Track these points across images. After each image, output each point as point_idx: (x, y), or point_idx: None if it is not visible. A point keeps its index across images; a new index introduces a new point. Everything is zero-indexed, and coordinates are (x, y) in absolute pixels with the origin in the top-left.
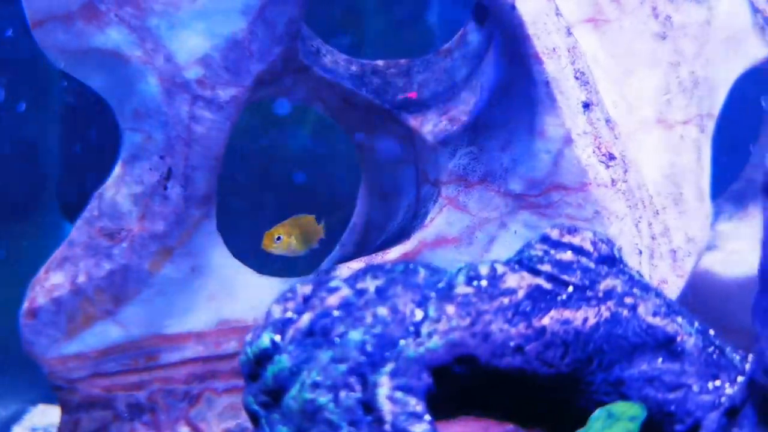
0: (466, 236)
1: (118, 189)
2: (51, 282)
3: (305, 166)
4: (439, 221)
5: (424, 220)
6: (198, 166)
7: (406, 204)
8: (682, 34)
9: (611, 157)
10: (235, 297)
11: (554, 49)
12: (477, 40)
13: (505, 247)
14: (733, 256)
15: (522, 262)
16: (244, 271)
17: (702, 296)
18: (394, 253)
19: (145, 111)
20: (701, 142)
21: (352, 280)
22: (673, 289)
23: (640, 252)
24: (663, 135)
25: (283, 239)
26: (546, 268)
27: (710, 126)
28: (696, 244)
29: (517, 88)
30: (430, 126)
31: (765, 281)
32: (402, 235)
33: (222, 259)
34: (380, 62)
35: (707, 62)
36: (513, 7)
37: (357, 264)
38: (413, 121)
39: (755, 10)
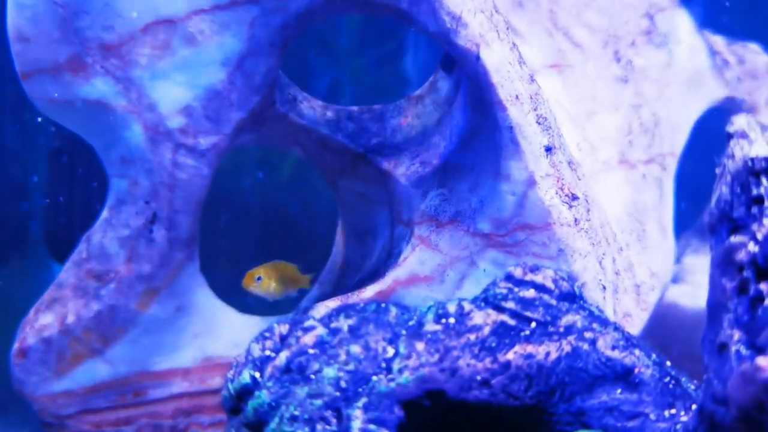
0: (438, 274)
1: (106, 232)
2: (41, 322)
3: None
4: (412, 260)
5: (397, 259)
6: (181, 211)
7: (381, 244)
8: (643, 77)
9: (574, 198)
10: (219, 335)
11: (517, 96)
12: (446, 87)
13: (476, 284)
14: (699, 289)
15: (488, 299)
16: (227, 310)
17: (670, 328)
18: (369, 292)
19: (130, 158)
20: (663, 180)
21: (326, 319)
22: (637, 322)
23: (604, 287)
24: (626, 174)
25: (263, 280)
26: (510, 305)
27: (672, 164)
28: (659, 278)
29: (483, 133)
30: (403, 169)
31: (711, 316)
32: (377, 274)
33: (205, 299)
34: (355, 108)
35: (668, 103)
36: (477, 58)
37: (333, 303)
38: (387, 164)
39: (713, 53)
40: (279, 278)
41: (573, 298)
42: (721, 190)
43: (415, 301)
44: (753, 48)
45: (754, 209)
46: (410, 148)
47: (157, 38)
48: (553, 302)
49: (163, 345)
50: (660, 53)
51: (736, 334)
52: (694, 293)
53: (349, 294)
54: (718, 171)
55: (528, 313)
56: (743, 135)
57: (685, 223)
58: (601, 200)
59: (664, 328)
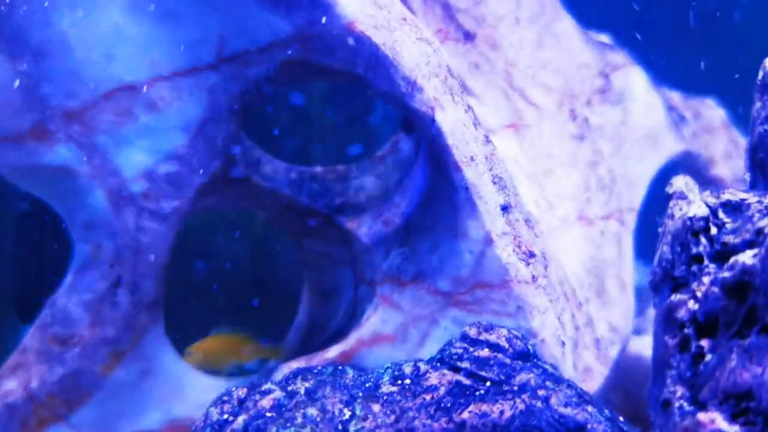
0: (400, 333)
1: (70, 296)
2: (4, 388)
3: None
4: (375, 320)
5: (361, 319)
6: (145, 274)
7: (346, 303)
8: (600, 135)
9: (531, 255)
10: (185, 397)
11: (472, 157)
12: (407, 147)
13: (438, 342)
14: None
15: (443, 359)
16: (193, 372)
17: (633, 380)
18: (333, 352)
19: (94, 222)
20: (622, 235)
21: (283, 382)
22: (597, 377)
23: (563, 343)
24: (584, 230)
25: (192, 355)
26: (465, 364)
27: (631, 219)
28: (619, 333)
29: (441, 193)
30: (365, 228)
31: (656, 372)
32: (341, 333)
33: (171, 362)
34: (319, 168)
35: (625, 159)
36: (433, 120)
37: (297, 363)
38: (350, 224)
39: (670, 108)
40: (217, 351)
41: (527, 356)
42: (663, 249)
43: (379, 360)
44: (709, 103)
45: (694, 268)
46: (373, 208)
47: (120, 105)
48: (508, 361)
49: (129, 408)
50: (615, 111)
51: (679, 390)
52: None
53: (313, 354)
54: (660, 230)
55: (483, 373)
56: (682, 196)
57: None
58: (560, 256)
59: (630, 380)
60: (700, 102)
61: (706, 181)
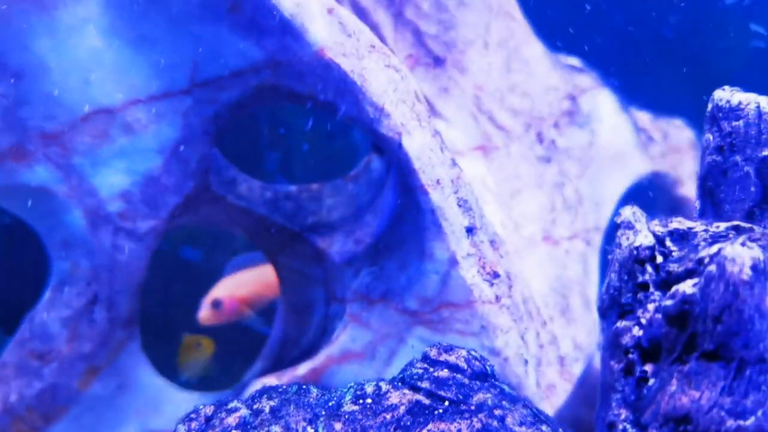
0: (369, 351)
1: (48, 312)
2: None
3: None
4: (344, 338)
5: (331, 336)
6: (121, 291)
7: (317, 320)
8: (566, 156)
9: (495, 275)
10: (160, 411)
11: (438, 180)
12: (379, 168)
13: (405, 359)
14: None
15: (404, 379)
16: (168, 387)
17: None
18: (303, 369)
19: (72, 241)
20: (588, 254)
21: (249, 400)
22: (561, 393)
23: (526, 361)
24: (549, 250)
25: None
26: (425, 384)
27: (597, 239)
28: (583, 350)
29: (408, 214)
30: (337, 247)
31: (603, 395)
32: (312, 350)
33: (147, 377)
34: (293, 187)
35: (592, 180)
36: (400, 145)
37: (269, 379)
38: (322, 243)
39: (638, 129)
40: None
41: (485, 376)
42: (611, 276)
43: (348, 377)
44: (677, 123)
45: (640, 295)
46: (345, 227)
47: (97, 127)
48: (466, 381)
49: (105, 422)
50: (583, 133)
51: (623, 413)
52: None
53: (284, 371)
54: (609, 258)
55: (442, 392)
56: (629, 225)
57: None
58: (526, 276)
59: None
60: (669, 122)
61: (674, 201)
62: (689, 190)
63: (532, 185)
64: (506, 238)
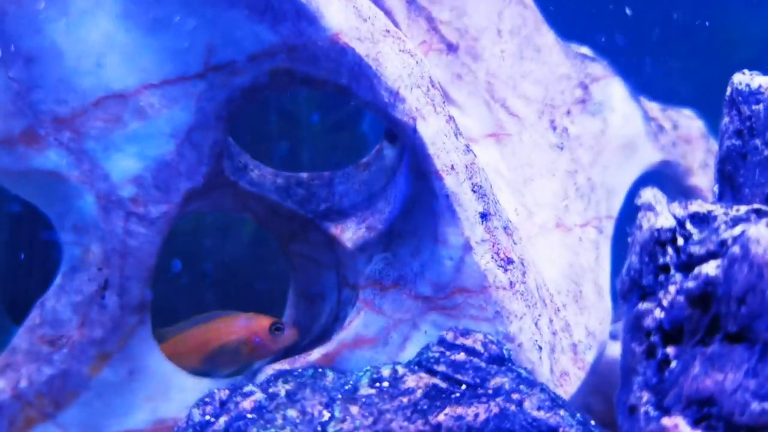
0: (382, 337)
1: (59, 298)
2: None
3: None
4: (357, 323)
5: (343, 322)
6: (132, 277)
7: (329, 307)
8: (578, 144)
9: (509, 262)
10: (171, 398)
11: (452, 166)
12: (391, 155)
13: (418, 345)
14: None
15: (421, 363)
16: (179, 373)
17: (610, 384)
18: (315, 355)
19: (83, 226)
20: (600, 242)
21: (265, 384)
22: (574, 380)
23: (540, 348)
24: (562, 238)
25: None
26: (442, 368)
27: (609, 227)
28: (596, 337)
29: (422, 200)
30: (349, 233)
31: (624, 378)
32: (325, 336)
33: (157, 363)
34: (305, 175)
35: (603, 168)
36: (414, 130)
37: (279, 365)
38: (334, 229)
39: (648, 119)
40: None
41: (502, 360)
42: (631, 259)
43: (360, 362)
44: (687, 113)
45: (661, 277)
46: (357, 214)
47: (109, 112)
48: (483, 365)
49: (116, 408)
50: (595, 121)
51: (645, 396)
52: None
53: (297, 357)
54: (629, 240)
55: (459, 376)
56: (650, 207)
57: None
58: (539, 263)
59: (607, 385)
60: (679, 112)
61: (684, 191)
62: (700, 180)
63: (545, 172)
64: (519, 225)
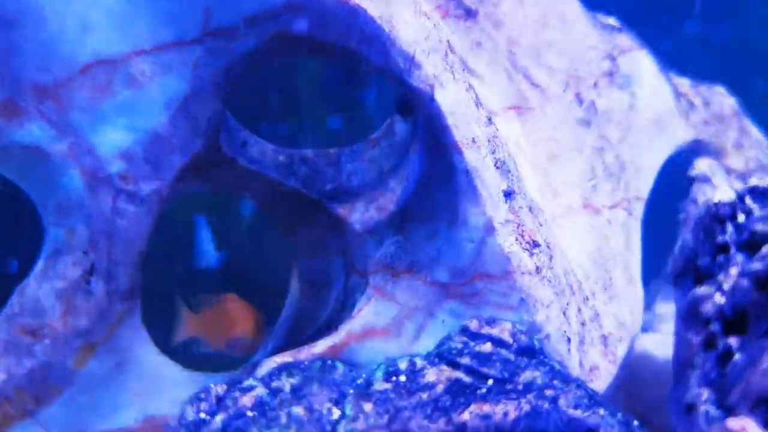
0: (394, 326)
1: (41, 285)
2: None
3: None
4: (367, 312)
5: (352, 311)
6: (121, 261)
7: (336, 294)
8: (606, 120)
9: (535, 245)
10: (162, 393)
11: (473, 139)
12: (403, 130)
13: (434, 336)
14: (672, 339)
15: (442, 354)
16: (171, 366)
17: (640, 380)
18: (321, 347)
19: (68, 205)
20: (630, 225)
21: (267, 378)
22: (604, 375)
23: (569, 339)
24: (590, 220)
25: None
26: (465, 360)
27: (639, 209)
28: (627, 328)
29: (439, 177)
30: (358, 215)
31: (678, 373)
32: (330, 326)
33: (148, 354)
34: (309, 152)
35: (633, 146)
36: (431, 99)
37: (281, 358)
38: (341, 210)
39: (679, 95)
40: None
41: (532, 352)
42: (684, 237)
43: (371, 355)
44: (719, 90)
45: (720, 258)
46: (366, 194)
47: (96, 80)
48: (512, 357)
49: (102, 405)
50: (623, 95)
51: (705, 393)
52: (666, 342)
53: (300, 348)
54: (681, 217)
55: (484, 370)
56: (705, 179)
57: (654, 269)
58: (565, 247)
59: (636, 381)
60: (710, 89)
61: None
62: (734, 161)
63: (571, 149)
64: (544, 205)
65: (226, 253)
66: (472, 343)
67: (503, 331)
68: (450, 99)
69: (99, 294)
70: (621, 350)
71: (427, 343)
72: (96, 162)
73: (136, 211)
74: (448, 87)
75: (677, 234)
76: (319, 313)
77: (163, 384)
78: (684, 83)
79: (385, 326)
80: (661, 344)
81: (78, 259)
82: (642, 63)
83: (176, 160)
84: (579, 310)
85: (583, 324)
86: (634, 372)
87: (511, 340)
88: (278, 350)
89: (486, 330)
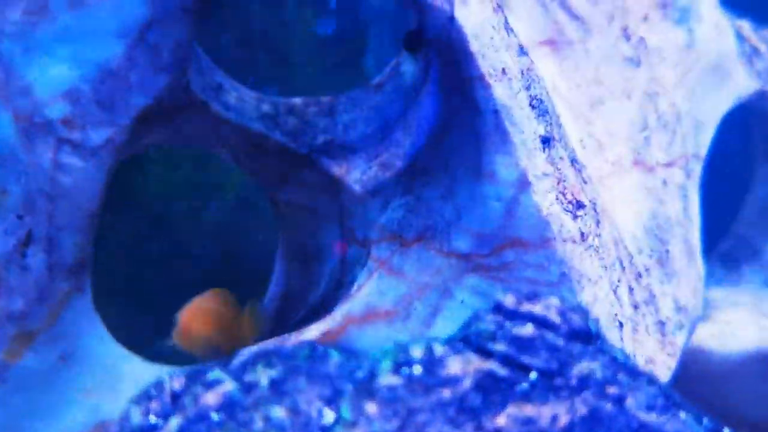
0: (402, 308)
1: None
2: None
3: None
4: (369, 290)
5: (350, 289)
6: (65, 226)
7: (330, 269)
8: (659, 59)
9: (579, 205)
10: (119, 391)
11: (504, 70)
12: (412, 70)
13: (452, 320)
14: (728, 329)
15: (469, 339)
16: (130, 359)
17: (692, 377)
18: (313, 332)
19: None
20: (688, 188)
21: (238, 370)
22: (662, 371)
23: (621, 324)
24: (642, 179)
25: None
26: (500, 347)
27: (697, 170)
28: (688, 313)
29: (459, 121)
30: (357, 173)
31: None
32: (324, 308)
33: (100, 344)
34: (298, 100)
35: (690, 93)
36: (451, 18)
37: (264, 347)
38: (337, 169)
39: (741, 38)
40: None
41: (588, 336)
42: None
43: (373, 343)
44: None
45: None
46: (367, 148)
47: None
48: (561, 342)
49: (42, 407)
50: (678, 31)
51: None
52: (721, 333)
53: (287, 335)
54: None
55: (526, 359)
56: None
57: (706, 245)
58: (613, 211)
59: (685, 377)
60: None
61: None
62: None
63: (618, 93)
64: (586, 160)
65: (196, 222)
66: (508, 324)
67: (549, 308)
68: (474, 18)
69: (37, 269)
70: (681, 340)
71: (443, 328)
72: (32, 104)
73: (84, 166)
74: (471, 4)
75: (738, 201)
76: (309, 291)
77: (121, 380)
78: (745, 26)
79: (391, 307)
80: (715, 336)
81: (10, 226)
82: None
83: (134, 100)
84: (631, 289)
85: (635, 307)
86: (684, 369)
87: (559, 321)
88: (261, 337)
89: (526, 307)
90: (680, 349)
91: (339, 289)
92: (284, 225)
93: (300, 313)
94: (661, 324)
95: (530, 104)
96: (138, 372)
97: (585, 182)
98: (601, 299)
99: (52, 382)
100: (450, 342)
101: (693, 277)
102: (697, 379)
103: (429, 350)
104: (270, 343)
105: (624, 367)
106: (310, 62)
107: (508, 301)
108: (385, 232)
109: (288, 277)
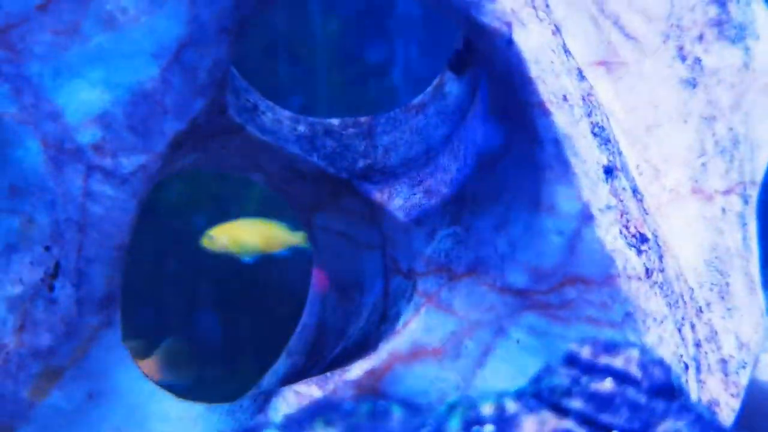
0: (451, 346)
1: None
2: None
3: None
4: (416, 326)
5: (395, 323)
6: (95, 258)
7: (372, 301)
8: (716, 81)
9: (643, 239)
10: (148, 430)
11: (565, 96)
12: (457, 90)
13: (506, 361)
14: None
15: (541, 394)
16: (160, 396)
17: (759, 420)
18: (356, 371)
19: (24, 186)
20: (746, 216)
21: (294, 428)
22: (726, 412)
23: (686, 366)
24: (700, 208)
25: (214, 238)
26: (577, 404)
27: (754, 195)
28: (750, 350)
29: (514, 149)
30: (400, 200)
31: None
32: (366, 343)
33: (130, 381)
34: (336, 121)
35: (747, 116)
36: (510, 42)
37: (306, 388)
38: (378, 195)
39: None
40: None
41: (671, 392)
42: None
43: (421, 383)
44: None
45: None
46: (410, 173)
47: (61, 19)
48: (642, 400)
49: None
50: (735, 51)
51: None
52: None
53: (329, 374)
54: None
55: (605, 418)
56: None
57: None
58: (672, 242)
59: (750, 420)
60: None
61: None
62: None
63: (675, 117)
64: (643, 188)
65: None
66: (584, 379)
67: (629, 361)
68: (533, 42)
69: (65, 303)
70: (744, 380)
71: (496, 369)
72: (62, 129)
73: (115, 194)
74: (530, 27)
75: None
76: (348, 325)
77: (151, 419)
78: None
79: (440, 345)
80: None
81: (38, 258)
82: (757, 10)
83: (169, 126)
84: (692, 326)
85: (698, 345)
86: (749, 409)
87: (640, 375)
88: (295, 370)
89: (604, 359)
90: (744, 389)
91: (383, 323)
92: (320, 252)
93: (339, 346)
94: (724, 362)
95: (592, 132)
96: (167, 409)
97: (647, 213)
98: (666, 340)
99: (79, 421)
100: (520, 396)
101: (755, 312)
102: (761, 415)
103: (500, 407)
104: (313, 383)
105: (710, 427)
106: (333, 73)
107: (584, 352)
108: (431, 264)
109: (323, 307)
